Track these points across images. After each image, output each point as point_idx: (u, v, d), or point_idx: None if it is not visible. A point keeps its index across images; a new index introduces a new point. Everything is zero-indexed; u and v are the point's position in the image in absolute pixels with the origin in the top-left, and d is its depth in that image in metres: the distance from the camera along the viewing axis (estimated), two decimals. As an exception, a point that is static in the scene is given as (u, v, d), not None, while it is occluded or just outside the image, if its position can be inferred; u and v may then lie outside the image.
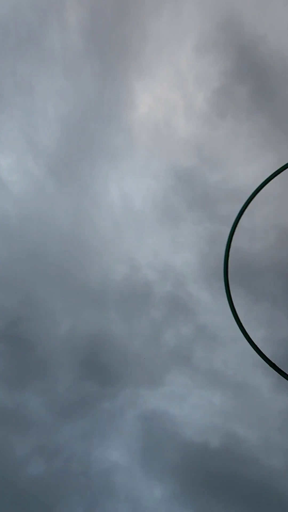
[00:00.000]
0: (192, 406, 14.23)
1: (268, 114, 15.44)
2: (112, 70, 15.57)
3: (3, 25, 14.83)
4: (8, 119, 15.43)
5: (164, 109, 15.97)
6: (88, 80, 15.49)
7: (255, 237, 15.24)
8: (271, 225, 15.18)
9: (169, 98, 15.88)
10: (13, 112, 15.44)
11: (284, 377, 3.71)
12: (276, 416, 13.51)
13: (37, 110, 15.41)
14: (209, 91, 15.45)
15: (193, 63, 15.49)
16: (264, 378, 14.04)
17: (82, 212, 15.69)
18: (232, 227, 3.89)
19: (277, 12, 14.99)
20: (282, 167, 4.01)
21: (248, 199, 3.92)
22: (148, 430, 13.89)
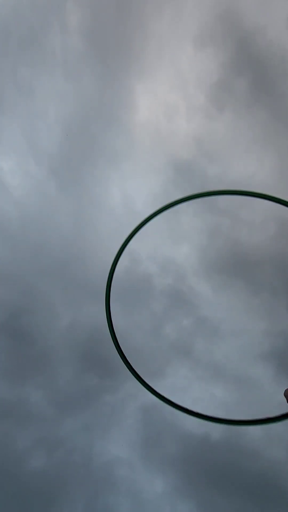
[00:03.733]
0: (193, 398, 14.27)
1: (267, 106, 15.46)
2: (113, 72, 15.54)
3: (4, 27, 14.78)
4: (9, 121, 15.42)
5: (164, 106, 15.95)
6: (89, 82, 15.50)
7: (255, 228, 15.24)
8: (271, 216, 15.17)
9: (170, 95, 15.89)
10: (14, 115, 15.44)
11: None
12: (277, 407, 13.53)
13: (38, 112, 15.41)
14: (208, 85, 15.46)
15: (192, 57, 15.47)
16: (265, 370, 14.07)
17: (83, 209, 15.71)
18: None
19: (276, 3, 14.94)
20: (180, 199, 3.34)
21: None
22: (149, 423, 13.95)
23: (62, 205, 15.54)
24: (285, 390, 2.69)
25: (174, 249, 15.48)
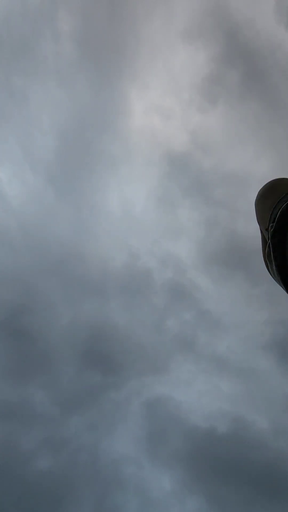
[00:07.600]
0: (197, 392, 14.22)
1: (259, 96, 15.48)
2: (106, 77, 15.44)
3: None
4: (4, 131, 15.33)
5: (158, 104, 15.89)
6: (82, 88, 15.41)
7: (251, 219, 15.16)
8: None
9: (163, 93, 15.85)
10: (8, 124, 15.34)
11: None
12: (282, 398, 13.51)
13: (32, 120, 15.31)
14: (200, 79, 15.41)
15: (183, 54, 15.45)
16: (268, 361, 14.02)
17: (81, 212, 15.73)
18: None
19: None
20: None
21: None
22: (155, 418, 13.89)
23: (61, 210, 15.52)
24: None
25: (173, 242, 15.43)
